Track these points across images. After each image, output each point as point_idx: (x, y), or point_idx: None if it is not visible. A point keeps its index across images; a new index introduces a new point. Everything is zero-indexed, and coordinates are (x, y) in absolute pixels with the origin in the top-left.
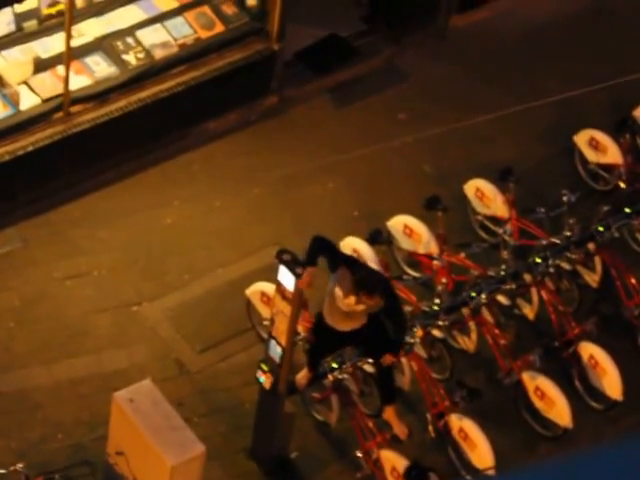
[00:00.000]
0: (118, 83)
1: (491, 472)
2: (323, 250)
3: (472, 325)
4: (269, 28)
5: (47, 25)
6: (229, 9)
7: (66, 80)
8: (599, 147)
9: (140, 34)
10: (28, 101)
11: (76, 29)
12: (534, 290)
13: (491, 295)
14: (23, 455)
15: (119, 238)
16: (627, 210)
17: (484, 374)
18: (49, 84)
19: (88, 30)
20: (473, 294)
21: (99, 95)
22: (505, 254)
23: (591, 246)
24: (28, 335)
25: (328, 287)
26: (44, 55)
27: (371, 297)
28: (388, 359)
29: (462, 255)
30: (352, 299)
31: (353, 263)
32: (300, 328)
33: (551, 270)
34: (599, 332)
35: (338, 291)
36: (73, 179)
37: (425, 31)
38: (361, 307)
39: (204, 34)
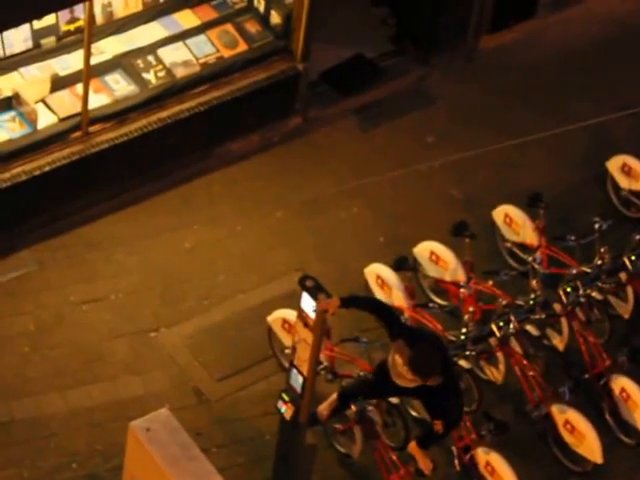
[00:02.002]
0: (138, 102)
1: None
2: (379, 315)
3: (500, 356)
4: (294, 47)
5: (66, 42)
6: (253, 28)
7: (85, 99)
8: (632, 173)
9: (161, 52)
10: (46, 120)
11: (96, 46)
12: (564, 320)
13: (520, 325)
14: None
15: (137, 262)
16: None
17: (512, 406)
18: (67, 103)
19: (108, 47)
20: (501, 324)
21: (118, 114)
22: (534, 283)
23: (623, 275)
24: (43, 361)
25: (392, 348)
26: (62, 73)
27: (426, 380)
28: (438, 426)
29: (490, 283)
30: (410, 374)
31: (412, 337)
32: (322, 357)
33: (582, 300)
34: (631, 364)
35: (398, 359)
36: (90, 200)
37: (454, 52)
38: (420, 381)
39: (227, 53)
